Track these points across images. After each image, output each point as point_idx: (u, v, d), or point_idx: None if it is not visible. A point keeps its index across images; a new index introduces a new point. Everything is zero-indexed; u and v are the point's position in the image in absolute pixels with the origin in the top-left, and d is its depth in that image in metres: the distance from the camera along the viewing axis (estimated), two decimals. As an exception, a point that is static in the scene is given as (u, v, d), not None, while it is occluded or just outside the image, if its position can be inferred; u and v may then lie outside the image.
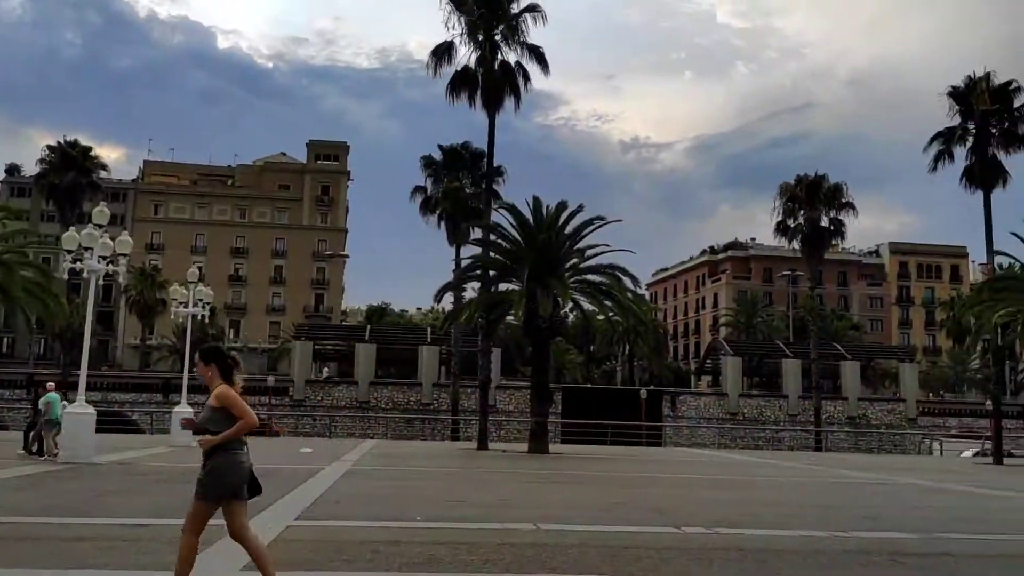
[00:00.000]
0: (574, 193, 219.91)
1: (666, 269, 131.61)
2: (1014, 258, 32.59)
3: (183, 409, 24.81)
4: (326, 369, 65.30)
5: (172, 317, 33.90)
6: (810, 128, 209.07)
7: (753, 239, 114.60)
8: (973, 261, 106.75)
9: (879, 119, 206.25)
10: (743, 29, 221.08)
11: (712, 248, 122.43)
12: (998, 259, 34.35)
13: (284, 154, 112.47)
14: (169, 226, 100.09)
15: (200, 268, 33.77)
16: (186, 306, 27.18)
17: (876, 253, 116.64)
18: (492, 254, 29.98)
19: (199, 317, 28.25)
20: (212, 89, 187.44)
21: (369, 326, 67.01)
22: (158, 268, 75.29)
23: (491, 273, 30.24)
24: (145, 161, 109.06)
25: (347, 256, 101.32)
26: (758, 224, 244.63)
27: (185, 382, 27.25)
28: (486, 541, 8.52)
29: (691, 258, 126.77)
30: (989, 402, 42.44)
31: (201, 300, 27.52)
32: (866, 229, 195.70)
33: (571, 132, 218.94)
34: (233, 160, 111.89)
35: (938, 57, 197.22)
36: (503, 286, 29.72)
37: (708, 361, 67.34)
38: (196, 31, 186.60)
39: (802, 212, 45.72)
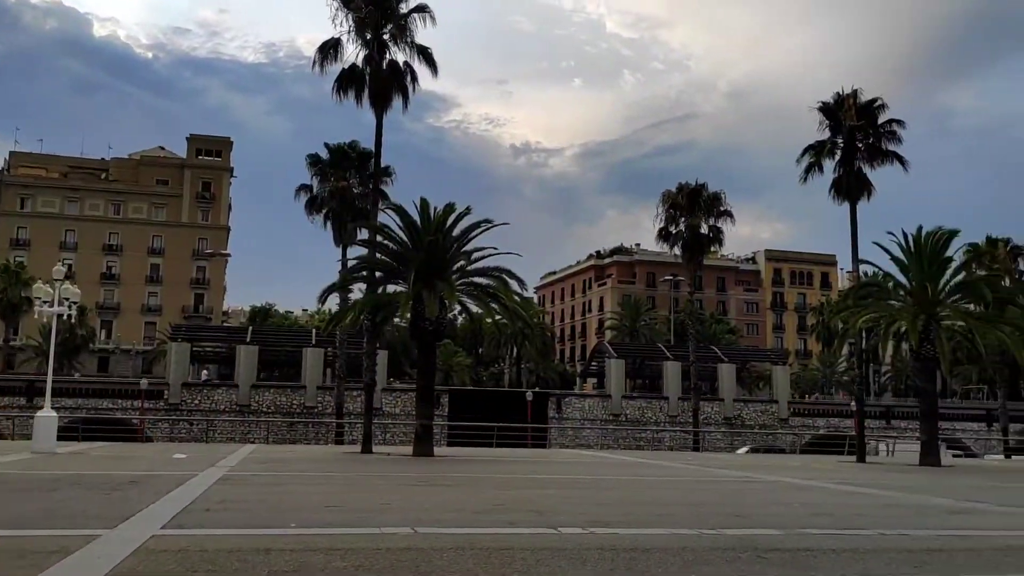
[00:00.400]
0: (466, 196, 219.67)
1: (554, 273, 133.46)
2: (877, 267, 34.47)
3: (47, 414, 23.51)
4: (205, 372, 63.16)
5: (36, 317, 32.06)
6: (693, 137, 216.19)
7: (638, 244, 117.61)
8: (842, 269, 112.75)
9: (757, 131, 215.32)
10: (631, 40, 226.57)
11: (599, 253, 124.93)
12: (863, 267, 36.19)
13: (163, 148, 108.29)
14: (37, 221, 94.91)
15: (69, 265, 32.08)
16: (51, 305, 25.74)
17: (753, 260, 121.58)
18: (379, 255, 29.70)
19: (66, 317, 26.82)
20: (86, 78, 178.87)
21: (251, 327, 65.19)
22: (23, 265, 71.26)
23: (377, 274, 29.94)
24: (11, 152, 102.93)
25: (229, 255, 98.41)
26: (644, 230, 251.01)
27: (49, 385, 25.84)
28: (361, 546, 8.39)
29: (578, 262, 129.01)
30: (854, 403, 44.92)
31: (68, 299, 26.13)
32: (744, 236, 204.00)
33: (463, 135, 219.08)
34: (108, 153, 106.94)
35: (813, 73, 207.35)
36: (390, 288, 29.47)
37: (593, 363, 68.62)
38: (70, 17, 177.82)
39: (683, 219, 47.20)
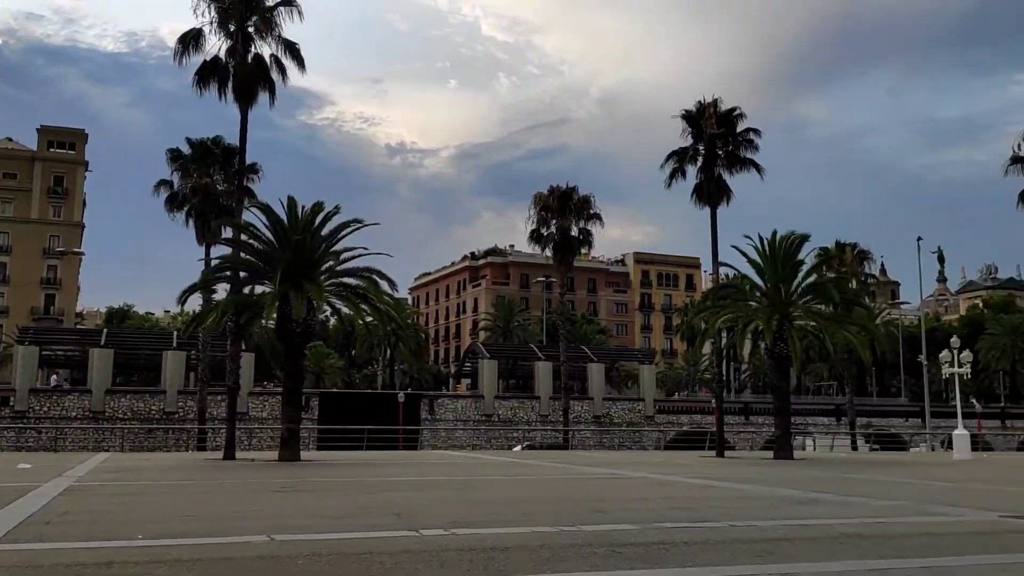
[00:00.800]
0: (340, 195, 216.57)
1: (429, 274, 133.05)
2: (735, 269, 36.00)
3: None
4: (55, 377, 59.57)
5: None
6: (567, 142, 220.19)
7: (512, 246, 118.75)
8: (705, 271, 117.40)
9: (628, 136, 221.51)
10: (506, 43, 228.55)
11: (473, 254, 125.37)
12: (722, 269, 37.78)
13: (11, 140, 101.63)
14: None
15: None
16: None
17: (622, 262, 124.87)
18: (244, 255, 28.80)
19: None
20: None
21: (107, 330, 61.97)
22: None
23: (242, 274, 29.05)
24: None
25: (83, 253, 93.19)
26: (519, 232, 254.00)
27: None
28: (211, 556, 8.09)
29: (453, 263, 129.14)
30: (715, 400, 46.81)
31: None
32: (615, 239, 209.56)
33: (337, 133, 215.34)
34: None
35: (682, 82, 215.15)
36: (257, 289, 28.63)
37: (467, 364, 68.81)
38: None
39: (554, 221, 47.96)
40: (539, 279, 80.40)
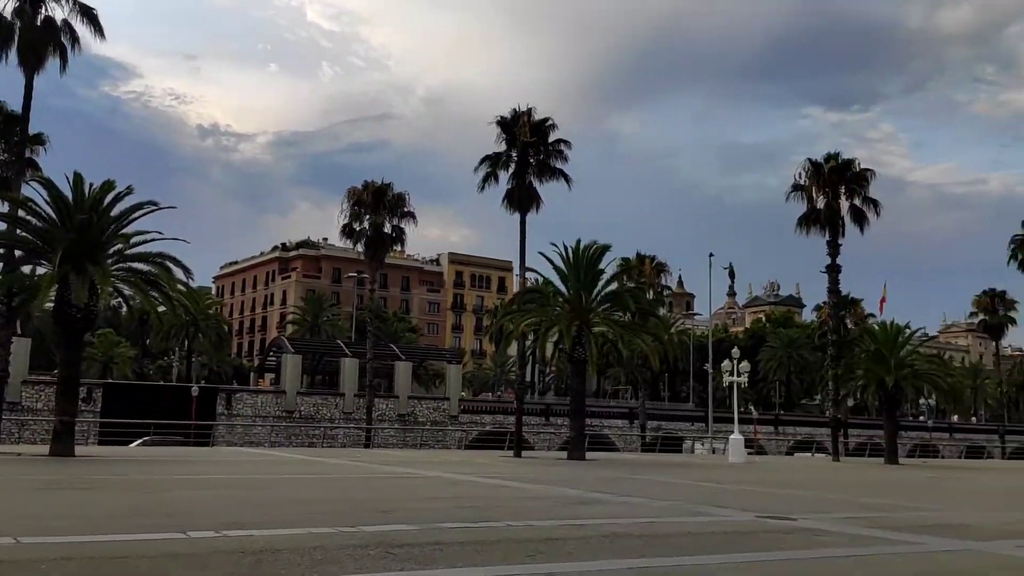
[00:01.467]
0: (145, 174, 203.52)
1: (236, 263, 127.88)
2: (541, 274, 37.05)
3: None
4: None
5: None
6: (390, 137, 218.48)
7: (326, 239, 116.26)
8: (517, 275, 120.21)
9: (451, 137, 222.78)
10: (332, 32, 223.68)
11: (284, 245, 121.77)
12: (530, 275, 38.78)
13: None
14: None
15: None
16: None
17: (437, 262, 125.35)
18: (20, 232, 26.45)
19: None
20: None
21: None
22: None
23: (18, 253, 26.67)
24: None
25: None
26: (335, 225, 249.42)
27: None
28: (-63, 562, 7.34)
29: (262, 253, 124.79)
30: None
31: None
32: (434, 239, 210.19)
33: (144, 108, 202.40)
34: None
35: (506, 87, 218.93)
36: (40, 269, 26.40)
37: (271, 358, 66.63)
38: None
39: (368, 217, 47.39)
40: (351, 274, 79.20)
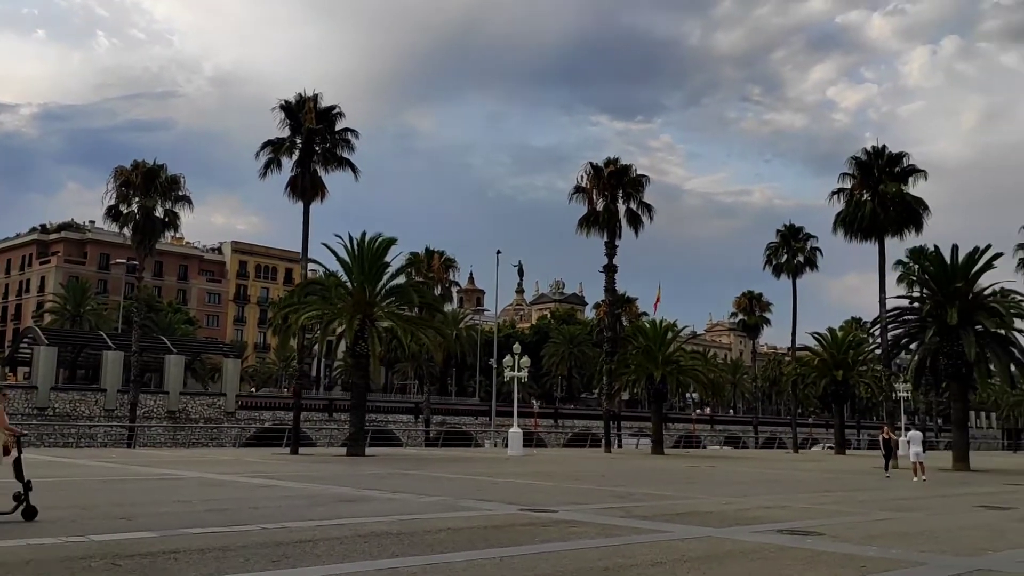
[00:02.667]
0: None
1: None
2: (324, 266, 36.07)
3: None
4: None
5: None
6: (174, 117, 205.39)
7: (92, 222, 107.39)
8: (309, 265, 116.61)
9: (241, 121, 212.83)
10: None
11: (44, 227, 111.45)
12: (317, 267, 37.56)
13: None
14: None
15: None
16: None
17: (219, 251, 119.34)
18: None
19: None
20: None
21: None
22: None
23: None
24: None
25: None
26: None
27: None
28: None
29: (18, 235, 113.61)
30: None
31: None
32: (219, 226, 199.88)
33: None
34: None
35: (302, 72, 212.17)
36: None
37: (21, 350, 60.51)
38: None
39: (137, 199, 44.11)
40: (119, 261, 73.44)
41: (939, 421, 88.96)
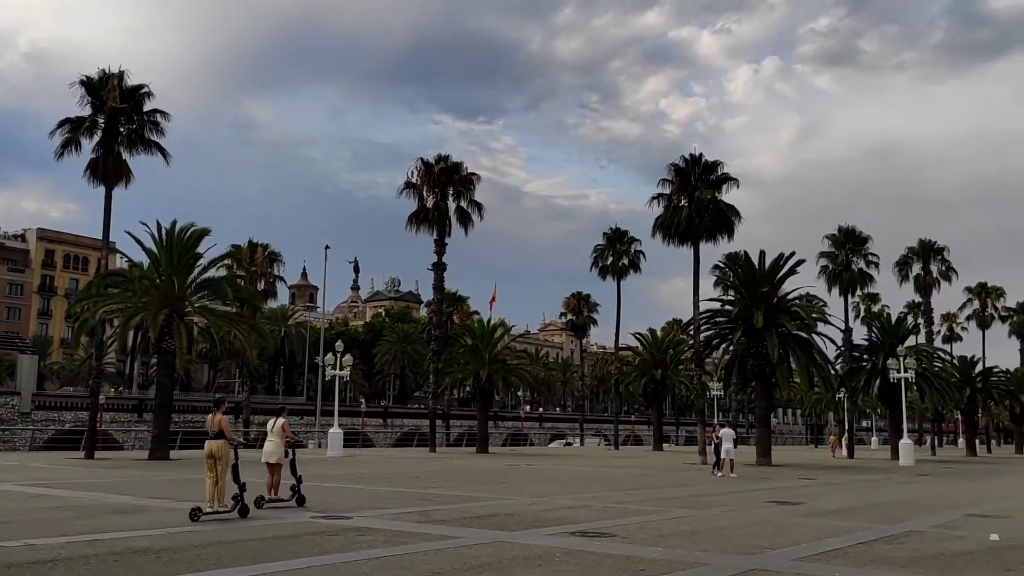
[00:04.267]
0: None
1: None
2: (127, 256, 33.58)
3: None
4: None
5: None
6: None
7: None
8: (121, 256, 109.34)
9: (59, 101, 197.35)
10: None
11: None
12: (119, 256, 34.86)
13: None
14: None
15: None
16: None
17: (22, 238, 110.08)
18: None
19: None
20: None
21: None
22: None
23: None
24: None
25: None
26: None
27: None
28: None
29: None
30: (104, 396, 43.10)
31: None
32: (32, 212, 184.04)
33: None
34: None
35: (127, 54, 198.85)
36: None
37: None
38: None
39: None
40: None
41: (750, 418, 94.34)
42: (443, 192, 45.99)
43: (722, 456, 27.64)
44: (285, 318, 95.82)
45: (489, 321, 48.59)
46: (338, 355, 37.96)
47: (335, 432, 36.85)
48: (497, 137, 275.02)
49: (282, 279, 58.94)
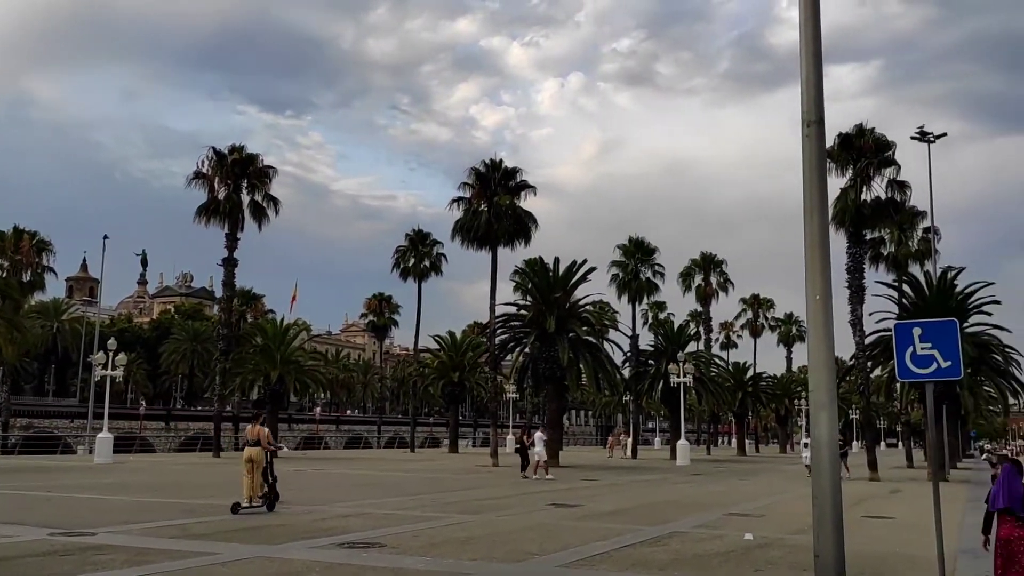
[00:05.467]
0: None
1: None
2: None
3: None
4: None
5: None
6: None
7: None
8: None
9: None
10: None
11: None
12: None
13: None
14: None
15: None
16: None
17: None
18: None
19: None
20: None
21: None
22: None
23: None
24: None
25: None
26: None
27: None
28: None
29: None
30: None
31: None
32: None
33: None
34: None
35: None
36: None
37: None
38: None
39: None
40: None
41: (545, 421, 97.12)
42: (236, 184, 43.77)
43: (535, 459, 28.26)
44: (58, 312, 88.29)
45: (283, 321, 46.86)
46: (110, 354, 35.12)
47: (104, 437, 34.04)
48: (305, 133, 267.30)
49: (52, 270, 53.59)
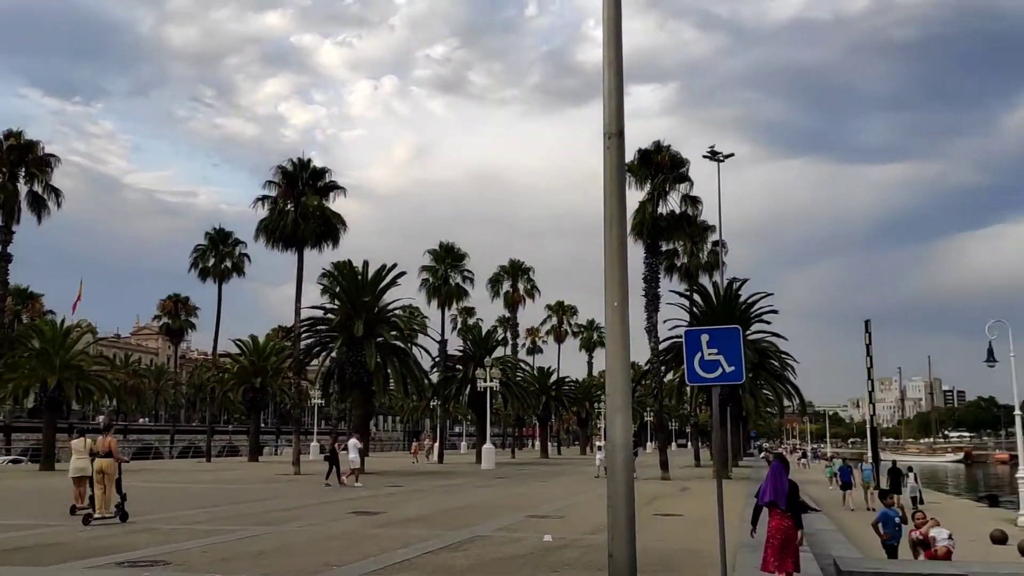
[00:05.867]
0: None
1: None
2: None
3: None
4: None
5: None
6: None
7: None
8: None
9: None
10: None
11: None
12: None
13: None
14: None
15: None
16: None
17: None
18: None
19: None
20: None
21: None
22: None
23: None
24: None
25: None
26: None
27: None
28: None
29: None
30: None
31: None
32: None
33: None
34: None
35: None
36: None
37: None
38: None
39: None
40: None
41: (351, 427, 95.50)
42: (12, 173, 40.13)
43: (352, 466, 27.86)
44: None
45: (63, 322, 43.21)
46: None
47: None
48: (95, 121, 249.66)
49: None
